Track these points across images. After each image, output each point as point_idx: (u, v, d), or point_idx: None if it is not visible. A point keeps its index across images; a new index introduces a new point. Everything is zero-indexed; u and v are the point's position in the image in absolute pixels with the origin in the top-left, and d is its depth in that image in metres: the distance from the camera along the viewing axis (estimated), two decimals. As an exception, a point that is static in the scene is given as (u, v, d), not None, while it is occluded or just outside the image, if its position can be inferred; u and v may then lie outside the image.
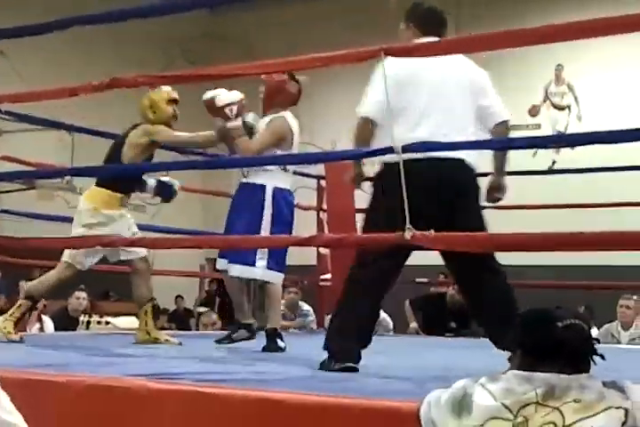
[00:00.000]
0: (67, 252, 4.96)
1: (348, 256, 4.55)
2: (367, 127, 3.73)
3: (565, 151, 11.57)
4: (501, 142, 3.53)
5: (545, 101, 14.16)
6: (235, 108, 4.87)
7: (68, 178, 12.44)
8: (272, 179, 4.91)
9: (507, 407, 2.02)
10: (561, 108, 14.13)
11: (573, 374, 2.03)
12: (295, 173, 5.35)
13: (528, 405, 2.00)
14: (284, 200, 4.93)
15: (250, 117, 4.98)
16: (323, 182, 7.49)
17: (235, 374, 3.25)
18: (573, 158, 9.23)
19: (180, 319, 13.92)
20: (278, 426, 2.60)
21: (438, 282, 9.02)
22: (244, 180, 5.02)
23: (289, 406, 2.59)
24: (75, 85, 4.18)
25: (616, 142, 3.06)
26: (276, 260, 4.84)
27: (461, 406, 2.12)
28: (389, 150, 3.31)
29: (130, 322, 7.41)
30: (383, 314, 8.42)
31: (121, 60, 13.82)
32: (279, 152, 4.86)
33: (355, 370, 3.51)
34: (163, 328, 10.96)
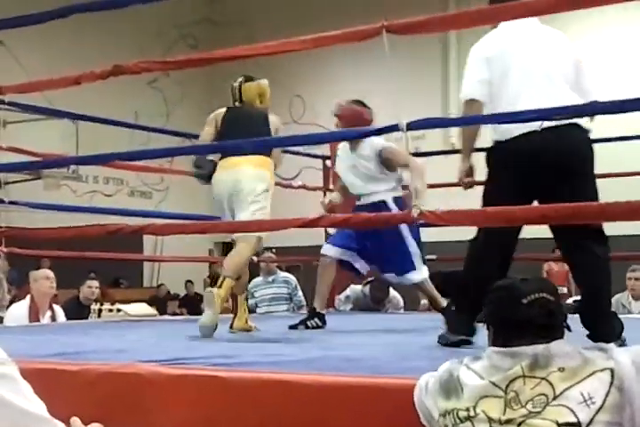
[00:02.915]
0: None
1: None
2: (474, 109, 3.67)
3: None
4: (510, 116, 3.47)
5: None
6: None
7: (73, 167, 12.50)
8: (387, 192, 5.25)
9: (495, 385, 2.05)
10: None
11: (548, 342, 2.05)
12: (300, 153, 5.42)
13: (516, 379, 2.03)
14: (404, 206, 5.10)
15: None
16: (328, 162, 7.45)
17: (247, 357, 3.25)
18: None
19: (191, 304, 13.97)
20: (292, 407, 2.60)
21: (446, 258, 8.96)
22: (359, 202, 5.35)
23: (302, 387, 2.60)
24: (77, 74, 4.17)
25: (619, 112, 3.04)
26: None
27: (449, 388, 2.15)
28: (394, 128, 3.30)
29: (141, 309, 7.43)
30: (393, 292, 8.44)
31: (121, 46, 13.81)
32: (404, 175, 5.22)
33: (469, 342, 3.57)
34: (174, 313, 11.03)
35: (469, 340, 3.58)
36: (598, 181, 3.57)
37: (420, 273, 5.42)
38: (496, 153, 3.63)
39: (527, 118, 3.32)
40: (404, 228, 5.15)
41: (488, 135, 3.70)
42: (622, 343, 3.16)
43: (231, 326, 4.95)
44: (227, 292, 4.61)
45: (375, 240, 5.18)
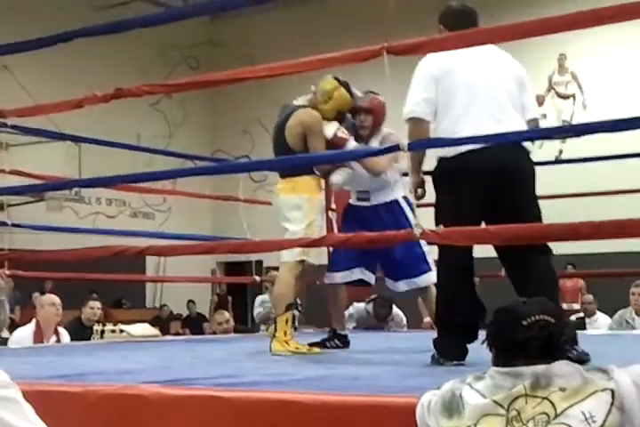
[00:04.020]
0: (290, 250, 4.62)
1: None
2: (420, 127, 3.69)
3: (571, 140, 11.56)
4: (514, 135, 3.50)
5: (549, 91, 14.13)
6: (342, 129, 4.82)
7: (76, 189, 12.53)
8: (396, 191, 5.05)
9: (498, 403, 2.06)
10: (565, 97, 14.12)
11: (549, 363, 2.06)
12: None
13: (518, 398, 2.04)
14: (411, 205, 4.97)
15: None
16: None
17: (249, 377, 3.27)
18: (581, 147, 9.21)
19: (194, 324, 13.97)
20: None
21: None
22: (367, 203, 5.07)
23: (304, 406, 2.60)
24: (79, 97, 4.20)
25: (622, 130, 3.07)
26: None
27: (451, 407, 2.16)
28: (396, 148, 3.33)
29: (143, 329, 7.42)
30: (396, 309, 8.43)
31: (123, 68, 13.86)
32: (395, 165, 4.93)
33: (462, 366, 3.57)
34: (177, 334, 11.02)
35: (462, 363, 3.59)
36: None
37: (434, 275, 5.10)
38: (443, 169, 3.67)
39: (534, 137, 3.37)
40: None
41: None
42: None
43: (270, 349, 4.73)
44: (283, 329, 4.56)
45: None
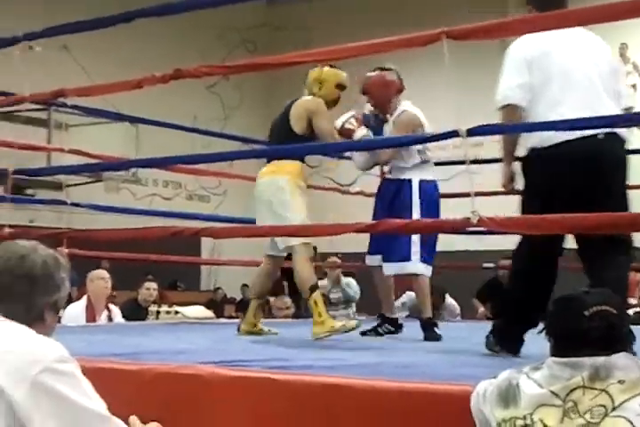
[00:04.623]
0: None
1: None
2: (513, 115, 3.55)
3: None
4: (597, 120, 3.38)
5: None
6: (352, 120, 4.92)
7: (133, 170, 12.65)
8: (417, 172, 4.95)
9: (555, 394, 2.04)
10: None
11: (609, 355, 2.03)
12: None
13: (575, 389, 2.02)
14: (430, 192, 4.95)
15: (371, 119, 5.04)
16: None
17: (303, 361, 3.27)
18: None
19: (248, 308, 13.99)
20: (346, 411, 2.61)
21: (500, 266, 8.90)
22: (389, 176, 5.10)
23: (356, 391, 2.60)
24: (138, 78, 4.21)
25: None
26: (429, 251, 4.90)
27: (507, 396, 2.14)
28: (454, 134, 3.27)
29: (198, 311, 7.48)
30: (449, 299, 8.39)
31: (182, 51, 13.91)
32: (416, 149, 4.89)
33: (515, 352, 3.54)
34: (231, 317, 11.09)
35: (518, 356, 3.54)
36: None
37: (415, 267, 4.87)
38: (534, 160, 3.54)
39: (582, 126, 3.27)
40: (416, 212, 4.83)
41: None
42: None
43: (238, 329, 5.07)
44: (317, 311, 4.56)
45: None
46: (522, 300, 3.58)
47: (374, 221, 3.60)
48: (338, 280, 8.56)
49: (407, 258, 4.83)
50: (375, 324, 5.15)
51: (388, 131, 5.01)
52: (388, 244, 4.84)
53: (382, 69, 5.03)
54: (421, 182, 4.93)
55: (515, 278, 3.70)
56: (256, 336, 4.91)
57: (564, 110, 3.40)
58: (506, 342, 3.61)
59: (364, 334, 4.97)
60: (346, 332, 4.48)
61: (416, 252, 4.82)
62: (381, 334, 5.03)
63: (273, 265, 5.06)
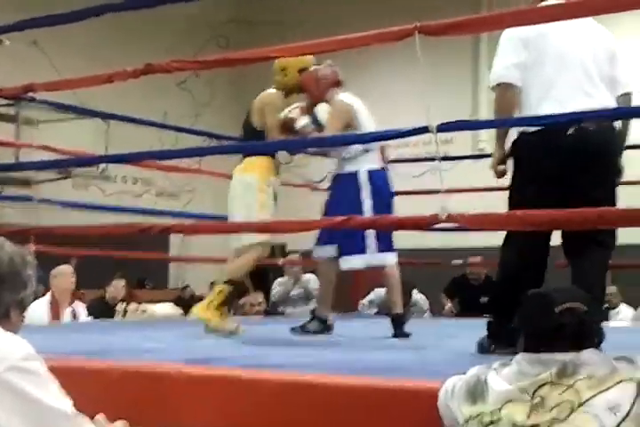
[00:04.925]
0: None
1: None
2: (507, 94, 3.51)
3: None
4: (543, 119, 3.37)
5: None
6: (296, 110, 4.91)
7: (102, 166, 12.56)
8: (362, 163, 4.86)
9: (523, 390, 2.04)
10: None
11: (579, 351, 2.05)
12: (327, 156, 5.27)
13: (543, 385, 2.03)
14: (380, 180, 4.87)
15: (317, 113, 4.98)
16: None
17: (273, 359, 3.25)
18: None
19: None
20: (317, 409, 2.59)
21: (471, 263, 8.93)
22: (336, 172, 5.01)
23: (327, 389, 2.59)
24: (109, 73, 4.18)
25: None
26: (385, 241, 4.77)
27: (475, 392, 2.15)
28: (424, 130, 3.24)
29: (167, 309, 7.44)
30: (418, 295, 8.42)
31: (152, 46, 13.83)
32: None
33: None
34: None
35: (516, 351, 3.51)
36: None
37: (376, 259, 4.77)
38: (524, 145, 3.50)
39: (561, 121, 3.26)
40: (367, 202, 4.73)
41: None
42: None
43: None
44: (212, 297, 4.61)
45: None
46: (512, 303, 3.55)
47: (344, 217, 3.55)
48: (297, 278, 8.59)
49: (362, 251, 4.72)
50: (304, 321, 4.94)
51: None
52: (343, 236, 4.71)
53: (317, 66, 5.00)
54: (369, 172, 4.83)
55: (504, 284, 3.59)
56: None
57: (556, 93, 3.39)
58: (501, 343, 3.53)
59: (293, 329, 4.80)
60: (216, 331, 4.47)
61: (371, 244, 4.71)
62: (309, 332, 4.78)
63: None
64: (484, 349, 3.50)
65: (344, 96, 4.96)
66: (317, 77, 4.97)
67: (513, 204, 3.52)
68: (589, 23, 3.64)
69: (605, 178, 3.50)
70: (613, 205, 3.47)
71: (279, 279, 8.76)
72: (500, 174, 3.70)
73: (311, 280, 8.49)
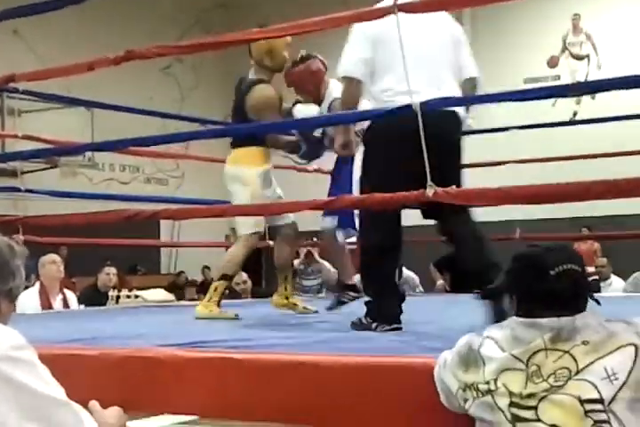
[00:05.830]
0: (244, 223, 4.74)
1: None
2: (352, 88, 3.64)
3: (587, 102, 11.48)
4: (517, 94, 3.42)
5: (563, 52, 13.92)
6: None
7: (89, 155, 12.53)
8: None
9: (517, 358, 2.01)
10: (580, 58, 13.91)
11: (573, 314, 2.01)
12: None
13: (537, 352, 1.99)
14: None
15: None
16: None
17: (264, 340, 3.26)
18: (593, 110, 9.09)
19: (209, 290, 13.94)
20: (310, 389, 2.60)
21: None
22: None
23: (319, 368, 2.60)
24: (90, 61, 4.16)
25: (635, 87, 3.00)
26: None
27: (468, 360, 2.12)
28: (408, 108, 3.25)
29: (158, 294, 7.45)
30: (408, 272, 8.42)
31: (135, 33, 13.78)
32: None
33: (400, 329, 3.54)
34: (192, 299, 11.08)
35: (400, 327, 3.56)
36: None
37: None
38: (375, 131, 3.60)
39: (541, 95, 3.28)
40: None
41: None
42: None
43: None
44: (211, 295, 4.65)
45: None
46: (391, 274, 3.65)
47: (331, 198, 3.59)
48: (310, 261, 8.61)
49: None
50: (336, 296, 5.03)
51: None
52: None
53: (303, 59, 4.90)
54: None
55: (371, 265, 3.70)
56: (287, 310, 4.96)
57: (406, 86, 3.38)
58: (384, 316, 3.59)
59: (330, 309, 4.91)
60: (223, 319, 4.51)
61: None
62: (346, 302, 4.86)
63: (279, 240, 5.02)
64: (364, 327, 3.59)
65: (334, 84, 4.92)
66: (312, 73, 4.89)
67: (367, 186, 3.62)
68: (438, 14, 3.69)
69: (450, 159, 3.60)
70: (459, 184, 3.54)
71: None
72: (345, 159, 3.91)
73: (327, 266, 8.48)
